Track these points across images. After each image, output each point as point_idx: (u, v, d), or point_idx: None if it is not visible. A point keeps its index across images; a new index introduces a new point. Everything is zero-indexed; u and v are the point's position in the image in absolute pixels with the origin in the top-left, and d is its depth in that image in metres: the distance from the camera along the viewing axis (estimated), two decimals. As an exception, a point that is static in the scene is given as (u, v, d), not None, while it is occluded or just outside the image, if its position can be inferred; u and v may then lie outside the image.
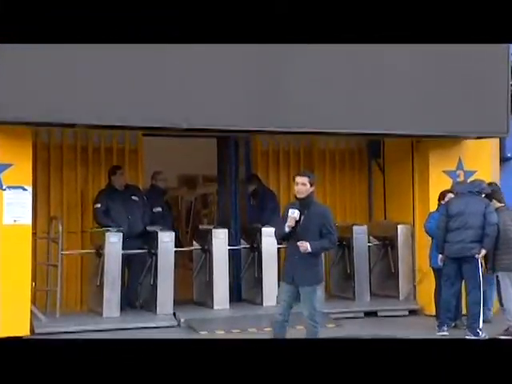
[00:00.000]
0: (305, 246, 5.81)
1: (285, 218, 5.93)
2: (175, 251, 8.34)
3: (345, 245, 9.20)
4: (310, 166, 9.87)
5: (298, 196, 5.96)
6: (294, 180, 6.04)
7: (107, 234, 8.05)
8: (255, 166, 9.67)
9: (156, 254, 8.24)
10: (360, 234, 9.07)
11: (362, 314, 8.73)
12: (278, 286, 6.44)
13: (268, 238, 8.36)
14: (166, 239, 8.24)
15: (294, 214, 5.82)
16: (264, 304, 8.36)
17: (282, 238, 5.99)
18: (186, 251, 9.51)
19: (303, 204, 5.91)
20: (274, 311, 6.00)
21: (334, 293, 9.37)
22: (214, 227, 8.84)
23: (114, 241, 8.02)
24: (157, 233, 8.27)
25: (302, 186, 5.95)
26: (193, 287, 8.84)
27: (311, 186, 5.99)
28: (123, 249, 8.09)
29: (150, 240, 8.38)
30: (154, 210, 8.83)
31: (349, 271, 9.12)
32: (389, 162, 9.75)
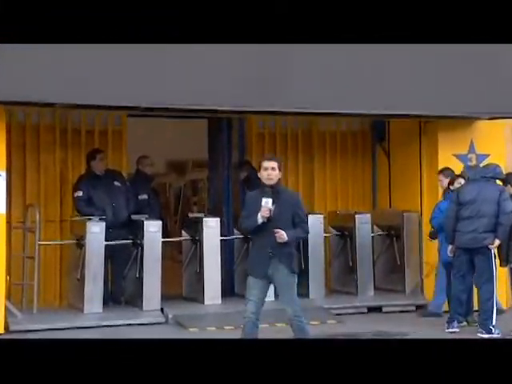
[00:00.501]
0: (282, 234, 5.77)
1: (250, 207, 5.89)
2: (163, 242, 8.29)
3: (347, 235, 9.17)
4: (309, 149, 9.83)
5: (268, 183, 5.89)
6: (260, 165, 5.95)
7: (88, 223, 8.00)
8: (249, 149, 9.61)
9: (142, 245, 8.18)
10: (363, 224, 9.04)
11: (365, 310, 8.71)
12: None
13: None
14: (153, 229, 8.19)
15: (268, 203, 5.79)
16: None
17: (252, 230, 5.92)
18: (174, 242, 9.50)
19: (274, 191, 5.88)
20: (246, 310, 5.88)
21: (335, 287, 9.34)
22: (205, 216, 8.77)
23: (95, 230, 7.97)
24: (142, 222, 8.21)
25: (273, 171, 5.90)
26: (182, 281, 8.79)
27: (280, 170, 5.96)
28: (106, 239, 8.03)
29: (136, 229, 8.32)
30: (140, 197, 8.77)
31: (351, 264, 9.09)
32: (394, 146, 9.70)
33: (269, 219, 5.80)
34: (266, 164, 5.93)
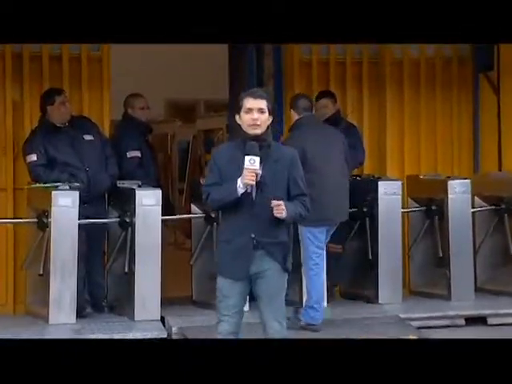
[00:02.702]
0: (281, 206, 5.68)
1: (223, 170, 5.80)
2: (163, 220, 8.32)
3: (434, 210, 9.15)
4: (378, 84, 9.79)
5: (252, 132, 5.77)
6: (240, 105, 5.81)
7: (55, 192, 8.00)
8: (290, 85, 9.62)
9: (132, 225, 8.22)
10: (459, 194, 9.02)
11: (461, 321, 8.68)
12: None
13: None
14: (149, 201, 8.21)
15: (254, 163, 5.67)
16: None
17: (226, 203, 5.79)
18: (180, 220, 9.52)
19: (262, 146, 5.77)
20: (220, 331, 5.89)
21: (417, 287, 9.36)
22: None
23: (65, 203, 7.98)
24: (133, 191, 8.23)
25: (261, 113, 5.78)
26: (191, 278, 8.83)
27: (270, 114, 5.85)
28: (81, 217, 8.07)
29: (123, 203, 8.36)
30: (129, 154, 8.82)
31: (441, 253, 9.09)
32: (507, 77, 9.68)
33: (256, 187, 5.72)
34: (250, 103, 5.78)
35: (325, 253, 8.14)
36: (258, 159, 5.68)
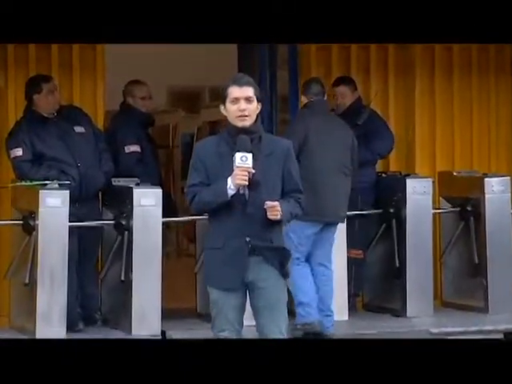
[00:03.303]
0: (276, 208, 5.70)
1: (209, 168, 5.82)
2: (164, 222, 8.34)
3: (469, 212, 9.16)
4: (406, 70, 9.79)
5: (241, 124, 5.79)
6: (224, 94, 5.82)
7: (42, 191, 7.99)
8: (306, 70, 9.64)
9: (130, 228, 8.22)
10: (498, 193, 9.04)
11: (500, 336, 8.61)
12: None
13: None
14: (148, 201, 8.21)
15: (246, 161, 5.69)
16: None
17: (215, 206, 5.80)
18: (183, 223, 9.48)
19: (252, 139, 5.80)
20: None
21: (450, 298, 9.39)
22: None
23: (54, 203, 7.98)
24: (130, 190, 8.22)
25: (248, 103, 5.80)
26: (195, 288, 8.84)
27: (258, 101, 5.86)
28: (71, 218, 8.06)
29: (119, 203, 8.37)
30: (128, 149, 8.84)
31: (476, 259, 9.09)
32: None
33: (248, 187, 5.73)
34: (235, 92, 5.78)
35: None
36: (250, 156, 5.69)
